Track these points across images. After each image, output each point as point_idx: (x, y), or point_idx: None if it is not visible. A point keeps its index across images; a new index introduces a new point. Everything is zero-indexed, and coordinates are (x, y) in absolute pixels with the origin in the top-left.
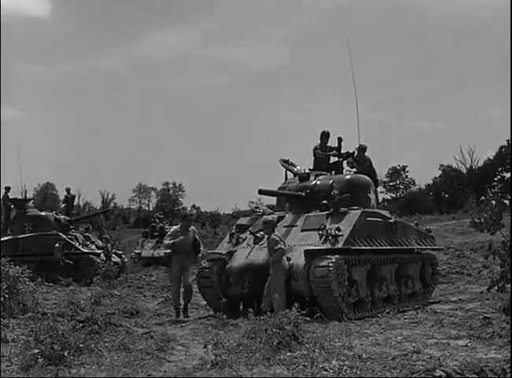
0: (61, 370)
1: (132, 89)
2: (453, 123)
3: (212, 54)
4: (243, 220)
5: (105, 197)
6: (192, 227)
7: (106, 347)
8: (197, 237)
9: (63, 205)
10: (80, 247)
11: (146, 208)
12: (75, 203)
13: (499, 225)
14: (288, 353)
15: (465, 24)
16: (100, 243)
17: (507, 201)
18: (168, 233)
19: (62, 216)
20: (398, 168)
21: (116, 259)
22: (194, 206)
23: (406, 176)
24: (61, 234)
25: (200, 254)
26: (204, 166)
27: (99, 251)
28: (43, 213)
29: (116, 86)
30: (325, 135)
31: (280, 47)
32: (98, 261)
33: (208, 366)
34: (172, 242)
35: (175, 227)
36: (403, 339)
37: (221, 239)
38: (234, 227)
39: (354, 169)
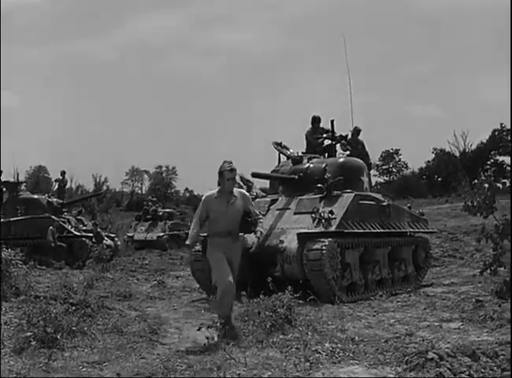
0: (54, 353)
1: (124, 72)
2: (446, 106)
3: (204, 38)
4: None
5: (98, 180)
6: (241, 190)
7: (99, 330)
8: (251, 207)
9: (56, 187)
10: (73, 230)
11: (139, 191)
12: (67, 186)
13: (491, 208)
14: (281, 336)
15: (459, 8)
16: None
17: (500, 185)
18: (200, 204)
19: (55, 199)
20: (392, 151)
21: (108, 242)
22: (187, 189)
23: (399, 160)
24: (53, 217)
25: (257, 235)
26: (197, 149)
27: (91, 234)
28: (36, 196)
29: (108, 69)
30: (316, 120)
31: (273, 32)
32: (91, 244)
33: (201, 349)
34: (193, 230)
35: (211, 191)
36: (396, 321)
37: None
38: None
39: (347, 152)
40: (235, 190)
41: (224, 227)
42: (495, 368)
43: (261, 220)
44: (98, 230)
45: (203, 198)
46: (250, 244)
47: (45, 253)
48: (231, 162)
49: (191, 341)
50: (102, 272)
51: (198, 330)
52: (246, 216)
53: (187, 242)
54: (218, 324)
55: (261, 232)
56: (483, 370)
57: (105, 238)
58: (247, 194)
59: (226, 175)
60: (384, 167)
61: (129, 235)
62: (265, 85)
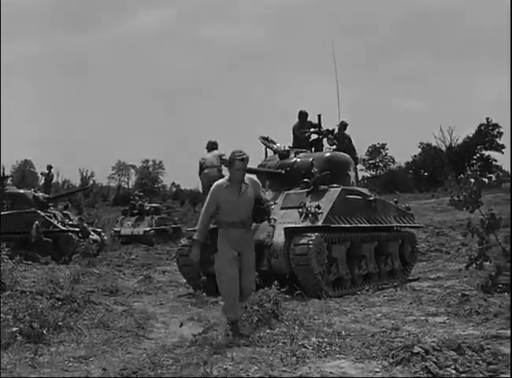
0: (40, 348)
1: (111, 67)
2: (433, 102)
3: (190, 32)
4: None
5: (84, 174)
6: (251, 177)
7: (85, 325)
8: (262, 194)
9: (42, 181)
10: (59, 225)
11: (126, 186)
12: (53, 181)
13: (477, 203)
14: (268, 331)
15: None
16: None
17: (486, 180)
18: (209, 195)
19: (41, 194)
20: (378, 145)
21: (95, 237)
22: (173, 184)
23: (386, 154)
24: (39, 211)
25: (271, 223)
26: (184, 143)
27: (78, 229)
28: (22, 191)
29: (95, 64)
30: (303, 115)
31: (259, 26)
32: (77, 238)
33: (187, 344)
34: (202, 225)
35: (220, 181)
36: (382, 316)
37: None
38: None
39: (334, 147)
40: (246, 176)
41: (237, 218)
42: (481, 362)
43: (272, 207)
44: (85, 225)
45: (212, 188)
46: (264, 237)
47: (31, 248)
48: (241, 151)
49: (177, 336)
50: (89, 267)
51: (180, 326)
52: (259, 204)
53: (195, 238)
54: (228, 327)
55: (275, 220)
56: (468, 364)
57: (92, 232)
58: (257, 180)
59: (237, 164)
60: (370, 161)
61: (116, 229)
62: (253, 79)
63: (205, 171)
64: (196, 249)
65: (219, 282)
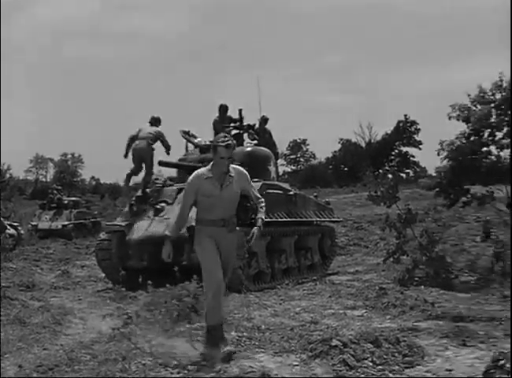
0: None
1: (29, 56)
2: (354, 98)
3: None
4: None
5: (1, 167)
6: (238, 167)
7: (1, 321)
8: (250, 189)
9: None
10: None
11: (44, 179)
12: None
13: (395, 198)
14: (187, 325)
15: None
16: None
17: (404, 175)
18: (187, 185)
19: None
20: (299, 141)
21: (11, 231)
22: (93, 178)
23: (307, 150)
24: None
25: (258, 224)
26: (103, 137)
27: None
28: None
29: (16, 52)
30: (224, 108)
31: (182, 17)
32: None
33: (106, 339)
34: (179, 223)
35: (200, 170)
36: (302, 309)
37: (121, 211)
38: (134, 198)
39: (255, 141)
40: (231, 167)
41: (218, 214)
42: (397, 354)
43: (262, 205)
44: (1, 219)
45: (190, 178)
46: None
47: None
48: (226, 136)
49: (95, 331)
50: (5, 262)
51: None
52: (245, 201)
53: (167, 234)
54: (207, 335)
55: (263, 220)
56: (385, 356)
57: (8, 227)
58: (245, 171)
59: (220, 152)
60: (291, 156)
61: (33, 223)
62: (176, 71)
63: (136, 142)
64: (168, 246)
65: (203, 277)
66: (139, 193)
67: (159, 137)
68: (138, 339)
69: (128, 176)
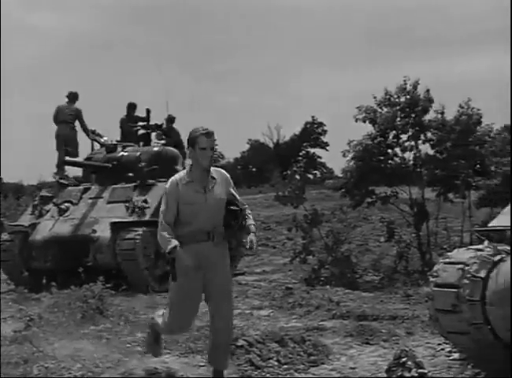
0: None
1: None
2: (262, 98)
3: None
4: (47, 192)
5: None
6: (219, 169)
7: None
8: (236, 196)
9: None
10: None
11: None
12: None
13: (302, 199)
14: (92, 327)
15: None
16: None
17: (311, 176)
18: (165, 195)
19: None
20: None
21: None
22: None
23: (216, 149)
24: None
25: (252, 230)
26: (7, 134)
27: None
28: None
29: None
30: (132, 107)
31: (94, 15)
32: None
33: (7, 342)
34: (166, 234)
35: (177, 175)
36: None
37: (24, 211)
38: (37, 198)
39: (163, 141)
40: (212, 169)
41: (201, 224)
42: (302, 353)
43: (249, 212)
44: None
45: (168, 184)
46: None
47: None
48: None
49: None
50: None
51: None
52: (230, 205)
53: (167, 250)
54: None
55: (254, 225)
56: (290, 355)
57: None
58: (227, 174)
59: (201, 141)
60: None
61: None
62: (87, 68)
63: (57, 127)
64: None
65: (167, 314)
66: (44, 192)
67: (78, 116)
68: (40, 341)
69: (60, 166)
